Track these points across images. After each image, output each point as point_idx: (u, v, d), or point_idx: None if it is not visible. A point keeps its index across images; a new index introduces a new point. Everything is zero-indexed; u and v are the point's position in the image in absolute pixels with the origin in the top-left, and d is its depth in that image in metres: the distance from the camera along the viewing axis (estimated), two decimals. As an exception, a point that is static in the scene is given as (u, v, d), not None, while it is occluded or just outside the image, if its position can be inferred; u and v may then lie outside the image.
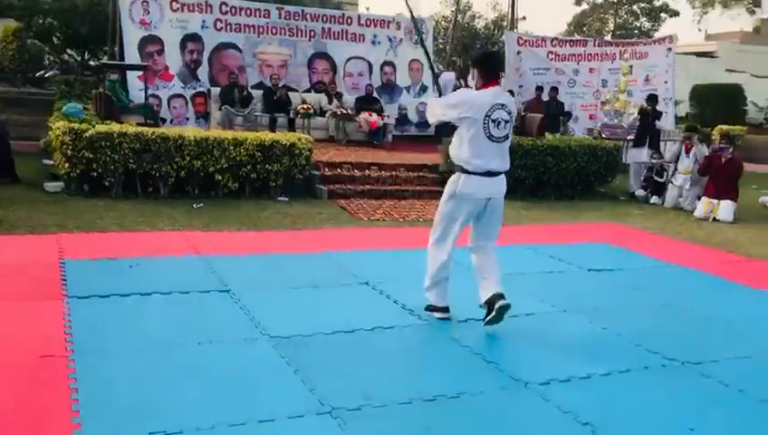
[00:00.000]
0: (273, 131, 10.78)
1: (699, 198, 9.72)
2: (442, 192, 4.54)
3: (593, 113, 16.13)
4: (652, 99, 11.63)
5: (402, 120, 14.48)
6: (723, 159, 9.63)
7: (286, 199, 9.02)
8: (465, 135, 4.27)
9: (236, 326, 4.34)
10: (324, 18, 14.03)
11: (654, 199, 10.68)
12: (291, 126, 12.42)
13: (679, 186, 10.25)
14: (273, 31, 13.62)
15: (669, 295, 5.58)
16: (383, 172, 10.17)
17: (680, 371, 3.99)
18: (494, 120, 4.20)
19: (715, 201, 9.44)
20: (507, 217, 8.45)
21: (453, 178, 4.43)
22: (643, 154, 11.27)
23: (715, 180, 9.56)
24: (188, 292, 4.90)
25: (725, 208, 9.32)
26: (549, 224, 8.59)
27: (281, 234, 7.07)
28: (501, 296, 4.34)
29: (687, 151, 10.26)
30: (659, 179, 10.76)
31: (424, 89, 14.88)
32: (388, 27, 14.58)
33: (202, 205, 8.20)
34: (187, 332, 4.16)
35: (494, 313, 4.32)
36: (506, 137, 4.32)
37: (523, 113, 12.52)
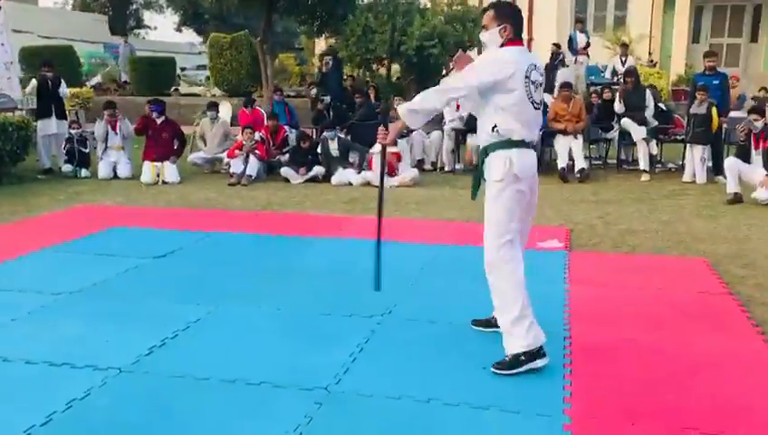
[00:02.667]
0: None
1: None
2: None
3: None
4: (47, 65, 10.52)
5: None
6: (158, 122, 9.59)
7: None
8: (506, 101, 3.33)
9: None
10: None
11: (84, 172, 9.88)
12: None
13: (114, 160, 9.77)
14: None
15: (274, 260, 5.49)
16: None
17: (408, 323, 4.10)
18: (533, 82, 3.38)
19: (159, 164, 9.39)
20: None
21: (498, 156, 3.37)
22: (52, 125, 10.18)
23: (154, 144, 9.47)
24: None
25: (171, 170, 9.39)
26: (21, 220, 7.07)
27: None
28: None
29: (114, 128, 9.80)
30: (85, 150, 9.99)
31: None
32: None
33: None
34: None
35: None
36: (542, 102, 3.52)
37: None
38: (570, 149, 9.80)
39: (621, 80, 14.62)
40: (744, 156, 7.89)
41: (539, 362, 3.37)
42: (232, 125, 11.21)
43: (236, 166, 9.49)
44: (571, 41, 16.41)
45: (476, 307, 3.99)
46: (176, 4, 48.75)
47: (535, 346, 3.36)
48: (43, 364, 3.49)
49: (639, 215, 7.33)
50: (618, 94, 10.16)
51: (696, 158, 9.38)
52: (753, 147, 7.82)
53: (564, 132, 9.85)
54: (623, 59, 15.91)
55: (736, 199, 7.79)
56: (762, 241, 6.12)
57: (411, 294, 4.62)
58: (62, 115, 10.32)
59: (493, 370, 3.36)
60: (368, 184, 9.24)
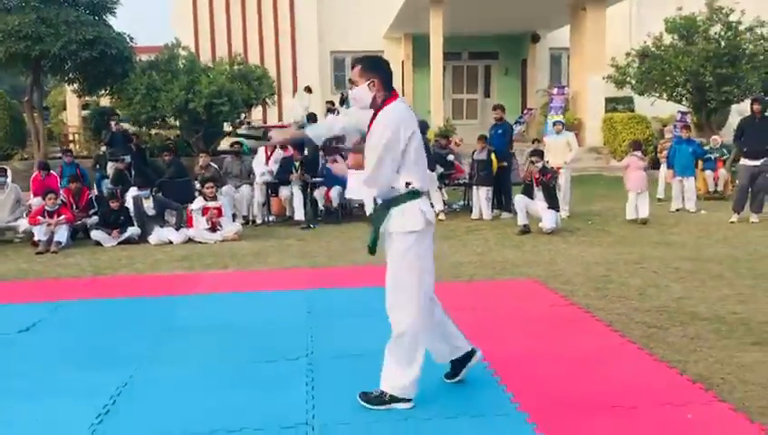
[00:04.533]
0: None
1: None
2: None
3: None
4: None
5: None
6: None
7: None
8: (407, 157, 3.37)
9: None
10: None
11: None
12: None
13: None
14: None
15: (153, 321, 5.36)
16: None
17: (336, 360, 4.35)
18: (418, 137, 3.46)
19: (-52, 237, 8.44)
20: None
21: (407, 208, 3.38)
22: None
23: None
24: None
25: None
26: None
27: None
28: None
29: None
30: None
31: None
32: None
33: None
34: None
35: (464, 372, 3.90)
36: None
37: None
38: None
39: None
40: (529, 193, 9.28)
41: (402, 406, 3.51)
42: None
43: (40, 233, 8.82)
44: (345, 99, 17.60)
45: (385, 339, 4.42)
46: None
47: (407, 396, 3.53)
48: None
49: (456, 249, 8.27)
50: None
51: (481, 197, 10.72)
52: (534, 184, 9.24)
53: (367, 181, 10.66)
54: (390, 114, 17.43)
55: (525, 230, 9.12)
56: (566, 262, 7.33)
57: (318, 336, 4.88)
58: None
59: (359, 400, 3.57)
60: (190, 241, 9.17)
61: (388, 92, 3.45)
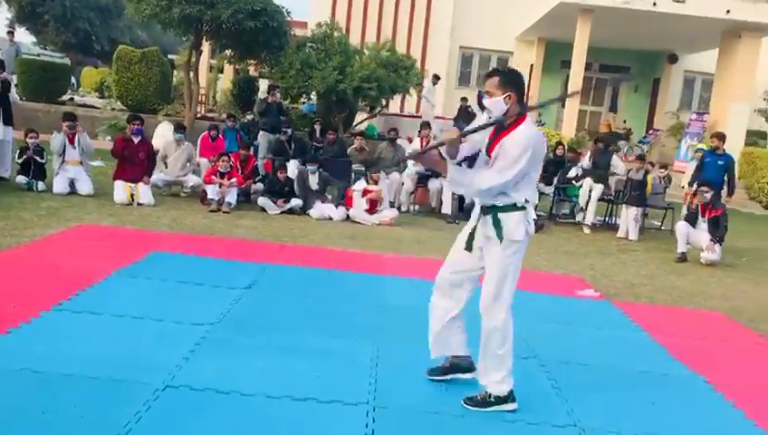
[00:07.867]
0: None
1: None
2: None
3: None
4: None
5: None
6: (136, 141, 9.17)
7: None
8: (534, 174, 3.59)
9: None
10: None
11: (41, 186, 9.11)
12: None
13: (71, 176, 9.12)
14: None
15: (365, 296, 5.60)
16: None
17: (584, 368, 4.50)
18: None
19: (133, 185, 8.97)
20: None
21: (516, 217, 3.52)
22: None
23: (130, 164, 9.04)
24: None
25: (146, 191, 9.01)
26: (35, 240, 6.51)
27: None
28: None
29: (72, 141, 9.20)
30: (41, 160, 9.22)
31: None
32: None
33: None
34: None
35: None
36: None
37: None
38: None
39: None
40: (693, 221, 9.14)
41: (508, 407, 3.65)
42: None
43: (213, 192, 9.26)
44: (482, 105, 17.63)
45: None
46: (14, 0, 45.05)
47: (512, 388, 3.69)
48: (310, 401, 3.54)
49: (619, 269, 8.20)
50: (589, 153, 11.25)
51: (630, 217, 10.60)
52: (700, 214, 9.09)
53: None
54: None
55: (683, 259, 8.98)
56: (742, 299, 7.17)
57: (532, 338, 5.00)
58: (8, 121, 9.46)
59: (464, 404, 3.67)
60: (347, 219, 9.46)
61: (522, 109, 3.53)
